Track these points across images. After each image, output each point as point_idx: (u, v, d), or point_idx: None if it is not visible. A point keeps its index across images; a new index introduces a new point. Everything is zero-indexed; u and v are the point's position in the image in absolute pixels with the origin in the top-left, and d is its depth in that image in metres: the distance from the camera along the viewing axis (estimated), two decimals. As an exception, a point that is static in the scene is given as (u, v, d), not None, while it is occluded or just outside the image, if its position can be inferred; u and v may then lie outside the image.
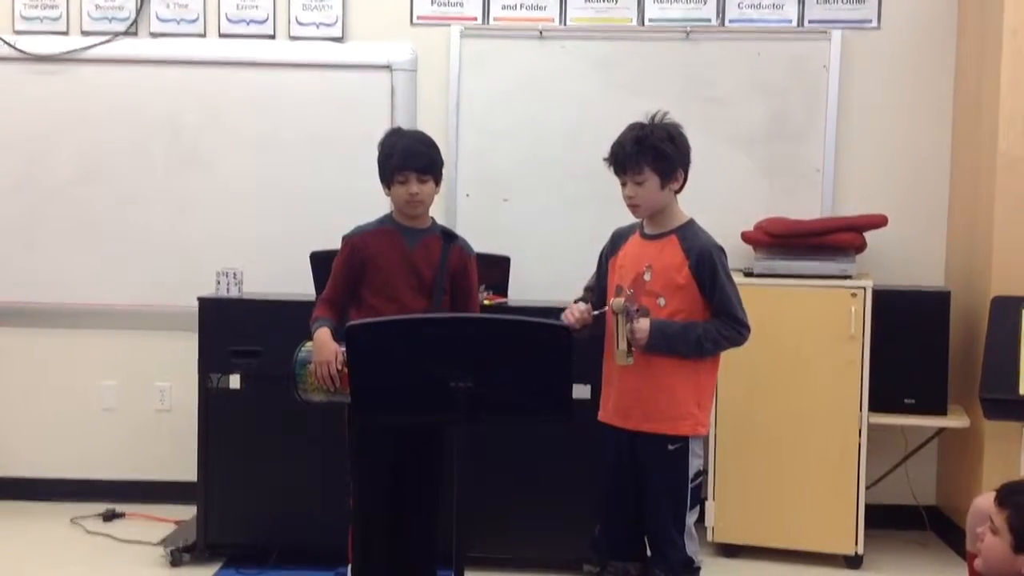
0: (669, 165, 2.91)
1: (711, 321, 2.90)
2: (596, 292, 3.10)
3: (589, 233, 4.48)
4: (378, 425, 3.02)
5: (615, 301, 2.86)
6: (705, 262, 2.90)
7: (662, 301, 2.91)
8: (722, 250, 2.97)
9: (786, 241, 4.15)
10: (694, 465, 2.93)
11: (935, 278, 4.50)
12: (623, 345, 2.83)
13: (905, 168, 4.53)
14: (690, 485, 2.91)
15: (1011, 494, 2.55)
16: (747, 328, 2.93)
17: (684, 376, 2.91)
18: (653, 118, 2.95)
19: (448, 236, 3.27)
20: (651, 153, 2.89)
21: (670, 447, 2.90)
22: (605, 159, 2.99)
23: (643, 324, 2.85)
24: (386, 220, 3.26)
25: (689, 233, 2.96)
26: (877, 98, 4.51)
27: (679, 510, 2.90)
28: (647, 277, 2.95)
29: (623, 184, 2.97)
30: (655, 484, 2.93)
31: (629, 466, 2.96)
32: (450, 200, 4.52)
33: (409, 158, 3.14)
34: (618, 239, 3.11)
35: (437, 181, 3.21)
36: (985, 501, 2.94)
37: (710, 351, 2.91)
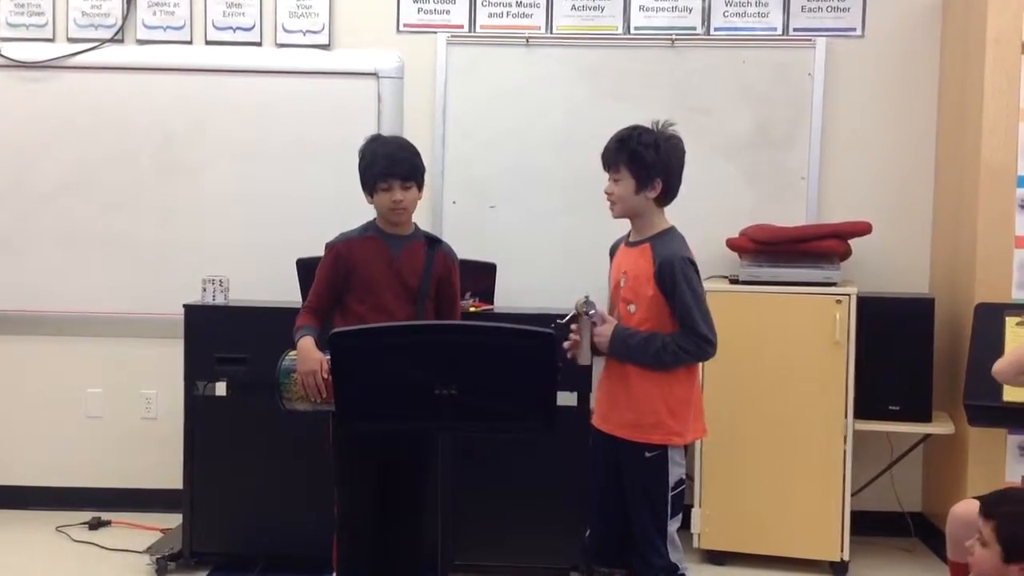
0: (645, 170, 2.91)
1: (673, 334, 2.88)
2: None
3: (575, 240, 4.51)
4: (362, 433, 3.02)
5: (577, 300, 2.93)
6: (666, 271, 2.87)
7: (632, 308, 2.95)
8: (688, 261, 2.91)
9: (771, 248, 4.16)
10: (675, 474, 2.92)
11: (919, 285, 4.52)
12: (585, 344, 2.93)
13: (889, 175, 4.55)
14: (671, 493, 2.91)
15: (996, 505, 2.57)
16: (709, 343, 2.89)
17: (656, 385, 2.91)
18: (655, 125, 2.97)
19: (432, 242, 3.27)
20: (627, 154, 2.91)
21: (647, 455, 2.90)
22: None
23: (603, 329, 2.91)
24: (370, 227, 3.25)
25: (660, 242, 2.95)
26: (862, 106, 4.53)
27: (660, 518, 2.90)
28: (623, 283, 2.98)
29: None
30: (634, 491, 2.93)
31: (613, 470, 2.97)
32: (436, 207, 4.53)
33: (391, 165, 3.13)
34: (614, 247, 3.15)
35: (420, 187, 3.21)
36: (963, 508, 2.95)
37: (669, 364, 2.88)
